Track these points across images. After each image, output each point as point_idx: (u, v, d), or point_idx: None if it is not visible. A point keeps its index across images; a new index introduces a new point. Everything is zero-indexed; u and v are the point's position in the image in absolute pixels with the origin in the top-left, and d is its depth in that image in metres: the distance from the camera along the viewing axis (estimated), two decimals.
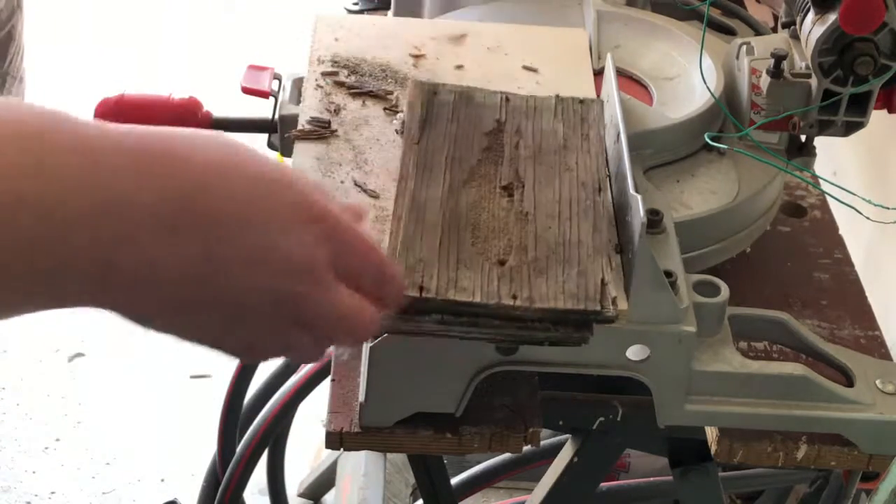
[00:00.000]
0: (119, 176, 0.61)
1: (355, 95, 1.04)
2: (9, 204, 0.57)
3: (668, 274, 0.86)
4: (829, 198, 1.20)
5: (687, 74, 1.14)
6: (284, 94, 1.08)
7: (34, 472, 2.20)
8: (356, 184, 0.94)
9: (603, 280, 0.82)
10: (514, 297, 0.80)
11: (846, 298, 1.11)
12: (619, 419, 1.05)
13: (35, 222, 0.58)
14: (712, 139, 1.03)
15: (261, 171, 0.68)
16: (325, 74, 1.06)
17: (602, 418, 1.05)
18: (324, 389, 1.06)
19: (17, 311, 0.62)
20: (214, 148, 0.67)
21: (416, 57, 1.11)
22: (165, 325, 0.67)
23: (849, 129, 1.07)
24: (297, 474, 2.10)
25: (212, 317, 0.67)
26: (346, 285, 0.71)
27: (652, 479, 1.44)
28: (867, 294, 1.12)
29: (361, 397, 0.91)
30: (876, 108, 1.06)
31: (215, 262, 0.65)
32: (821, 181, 1.12)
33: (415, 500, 1.73)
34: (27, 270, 0.59)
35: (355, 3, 1.55)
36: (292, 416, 1.62)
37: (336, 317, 0.71)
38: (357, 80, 1.06)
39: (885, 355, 1.04)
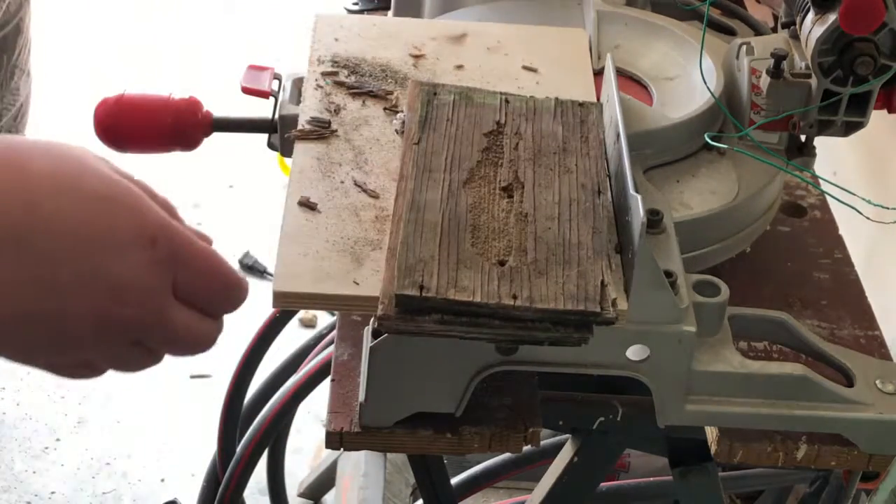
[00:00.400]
0: None
1: (355, 95, 1.04)
2: None
3: (668, 274, 0.86)
4: (829, 198, 1.20)
5: (687, 74, 1.14)
6: (284, 94, 1.08)
7: (34, 472, 2.20)
8: (356, 184, 0.94)
9: (603, 281, 0.82)
10: (515, 298, 0.80)
11: (846, 298, 1.11)
12: (619, 419, 1.05)
13: None
14: (712, 139, 1.03)
15: (99, 188, 0.65)
16: (325, 74, 1.06)
17: (602, 418, 1.05)
18: (324, 389, 1.06)
19: None
20: (54, 163, 0.64)
21: (416, 57, 1.11)
22: None
23: (849, 129, 1.07)
24: (297, 474, 2.10)
25: (40, 339, 0.65)
26: (189, 304, 0.69)
27: (652, 479, 1.43)
28: (867, 294, 1.12)
29: (361, 397, 0.91)
30: (876, 108, 1.06)
31: (42, 283, 0.63)
32: (821, 181, 1.12)
33: (415, 500, 1.73)
34: None
35: (355, 3, 1.54)
36: (292, 416, 1.62)
37: (170, 337, 0.70)
38: (357, 80, 1.06)
39: (885, 355, 1.04)
